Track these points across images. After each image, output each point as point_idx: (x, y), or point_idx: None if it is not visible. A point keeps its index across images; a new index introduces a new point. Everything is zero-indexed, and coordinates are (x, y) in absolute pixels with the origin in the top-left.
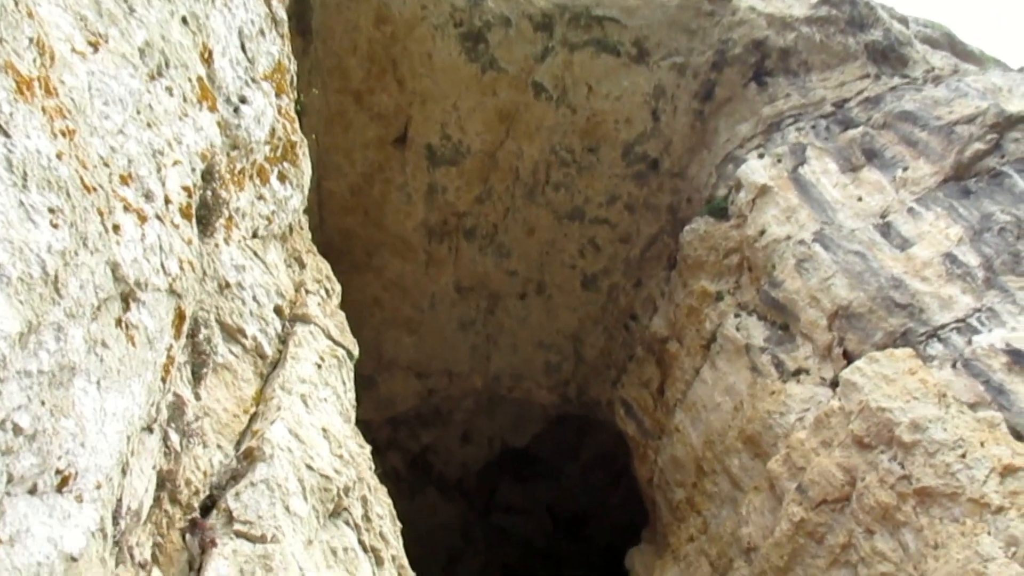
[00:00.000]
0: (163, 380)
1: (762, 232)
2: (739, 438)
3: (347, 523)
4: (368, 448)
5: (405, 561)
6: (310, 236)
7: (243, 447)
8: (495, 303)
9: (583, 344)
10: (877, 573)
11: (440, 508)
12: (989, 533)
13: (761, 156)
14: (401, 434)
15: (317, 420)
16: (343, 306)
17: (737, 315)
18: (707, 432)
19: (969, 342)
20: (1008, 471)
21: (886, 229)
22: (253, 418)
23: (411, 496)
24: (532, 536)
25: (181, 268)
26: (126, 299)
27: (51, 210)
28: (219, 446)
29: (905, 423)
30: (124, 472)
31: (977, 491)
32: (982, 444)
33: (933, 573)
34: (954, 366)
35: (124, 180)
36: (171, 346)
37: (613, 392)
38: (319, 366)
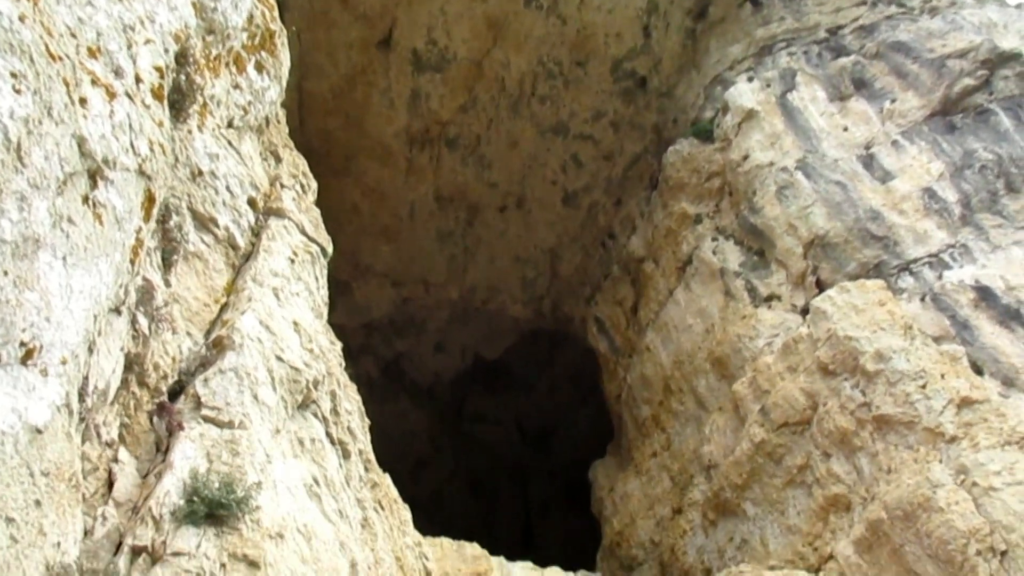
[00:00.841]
0: (132, 262)
1: (745, 157)
2: (708, 359)
3: (315, 415)
4: (339, 345)
5: (372, 456)
6: (287, 132)
7: (213, 335)
8: (474, 215)
9: (560, 260)
10: (831, 494)
11: (411, 415)
12: (941, 461)
13: (750, 80)
14: (375, 340)
15: (288, 313)
16: (320, 211)
17: (714, 239)
18: (677, 352)
19: (940, 277)
20: (965, 403)
21: (869, 161)
22: (224, 308)
23: (383, 402)
24: (500, 446)
25: (151, 149)
26: (93, 176)
27: (13, 75)
28: (188, 333)
29: (870, 352)
30: (91, 351)
31: (933, 421)
32: (942, 376)
33: (883, 496)
34: (923, 300)
35: (92, 53)
36: (140, 228)
37: (587, 309)
38: (292, 261)
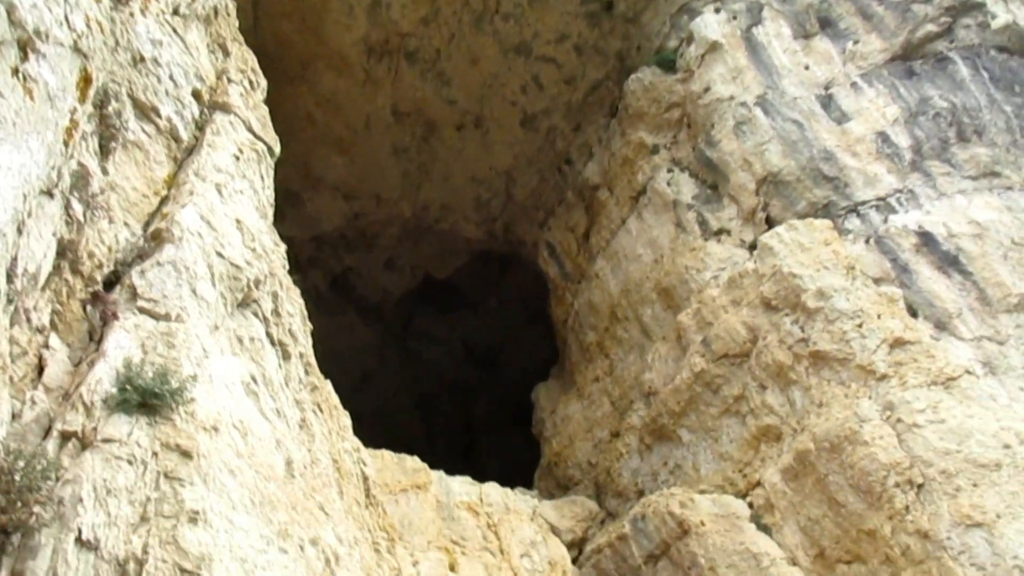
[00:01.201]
0: (66, 144)
1: (707, 89)
2: (655, 289)
3: (256, 315)
4: (283, 247)
5: (313, 360)
6: (237, 25)
7: (152, 228)
8: (431, 132)
9: (515, 183)
10: (763, 424)
11: (357, 329)
12: (870, 397)
13: (717, 11)
14: (324, 254)
15: (231, 210)
16: (272, 118)
17: (670, 170)
18: (625, 281)
19: (885, 220)
20: (898, 343)
21: (827, 101)
22: (164, 201)
23: (330, 315)
24: (445, 365)
25: (88, 26)
26: (24, 48)
27: None
28: (126, 224)
29: (812, 290)
30: (20, 231)
31: (866, 359)
32: (879, 316)
33: (813, 428)
34: (867, 242)
35: None
36: (75, 109)
37: (539, 233)
38: (237, 158)
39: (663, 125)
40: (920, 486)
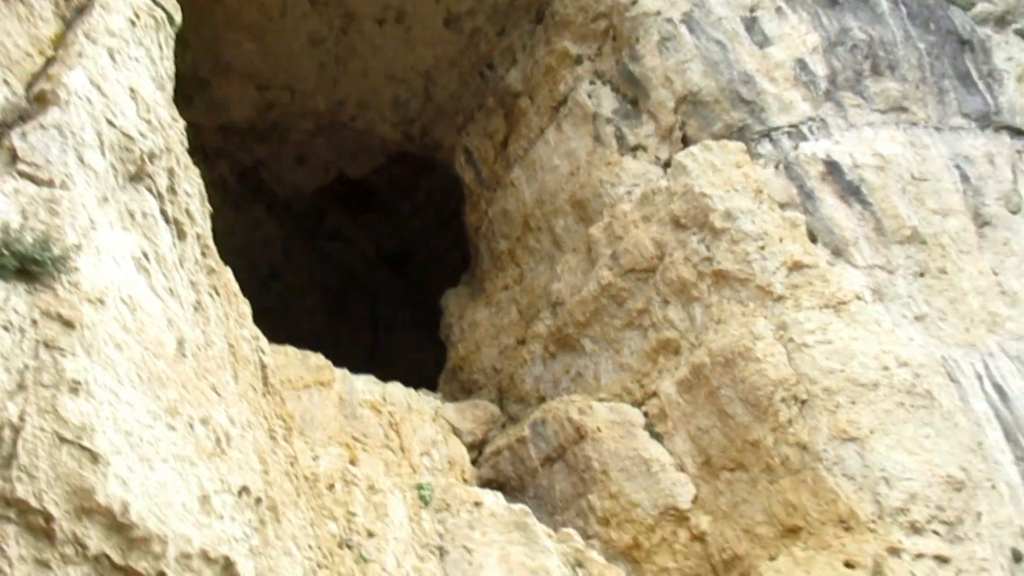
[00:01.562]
0: None
1: (634, 2)
2: (569, 201)
3: (149, 190)
4: (182, 123)
5: (211, 243)
6: None
7: (35, 88)
8: (350, 23)
9: (435, 85)
10: (664, 338)
11: (265, 225)
12: (765, 317)
13: None
14: (232, 145)
15: (125, 78)
16: None
17: (592, 82)
18: (540, 191)
19: (796, 147)
20: (796, 267)
21: (752, 23)
22: (50, 62)
23: (237, 209)
24: (354, 265)
25: None
26: None
27: None
28: (6, 82)
29: (720, 211)
30: None
31: (766, 280)
32: (781, 240)
33: (710, 343)
34: (776, 167)
35: None
36: None
37: (457, 138)
38: (133, 23)
39: (589, 35)
40: (804, 402)
